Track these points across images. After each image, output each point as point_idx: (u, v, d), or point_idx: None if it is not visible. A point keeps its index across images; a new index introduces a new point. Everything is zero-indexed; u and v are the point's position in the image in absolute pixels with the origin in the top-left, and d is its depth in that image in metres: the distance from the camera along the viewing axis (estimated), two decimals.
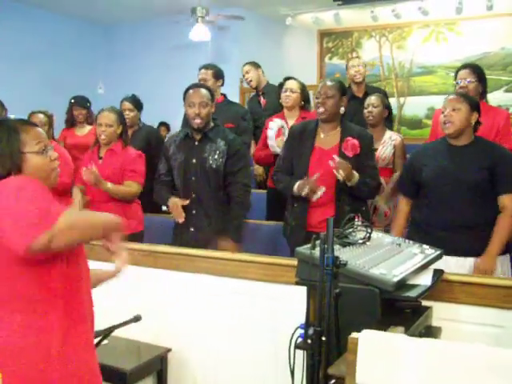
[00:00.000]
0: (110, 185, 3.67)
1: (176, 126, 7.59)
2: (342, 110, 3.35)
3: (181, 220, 3.41)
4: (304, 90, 4.47)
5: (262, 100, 5.30)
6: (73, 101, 5.10)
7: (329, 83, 3.37)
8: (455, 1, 7.44)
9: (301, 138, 3.39)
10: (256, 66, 5.35)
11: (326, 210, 3.22)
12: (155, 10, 8.02)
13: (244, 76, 5.44)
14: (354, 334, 1.42)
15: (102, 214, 1.90)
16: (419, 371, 1.31)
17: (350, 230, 2.36)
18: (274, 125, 4.26)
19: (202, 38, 7.61)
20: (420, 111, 8.52)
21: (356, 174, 3.19)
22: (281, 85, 4.54)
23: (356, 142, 3.24)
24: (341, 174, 3.12)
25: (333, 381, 1.48)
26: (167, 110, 6.92)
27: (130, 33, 8.82)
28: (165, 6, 7.78)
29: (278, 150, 4.14)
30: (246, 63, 5.42)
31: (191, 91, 3.48)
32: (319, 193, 3.21)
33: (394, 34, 8.65)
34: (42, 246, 1.58)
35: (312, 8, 8.15)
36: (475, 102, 3.13)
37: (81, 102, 5.09)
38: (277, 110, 4.68)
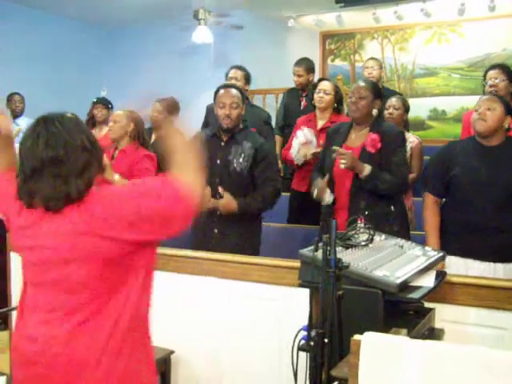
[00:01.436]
0: (117, 176, 3.58)
1: None
2: (375, 111, 3.30)
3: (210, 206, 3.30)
4: (338, 91, 4.41)
5: (304, 102, 5.13)
6: (95, 100, 5.10)
7: (362, 84, 3.33)
8: (458, 2, 7.43)
9: (334, 138, 3.38)
10: (308, 70, 5.12)
11: (345, 209, 3.20)
12: (158, 12, 8.03)
13: (294, 75, 5.17)
14: (357, 336, 1.42)
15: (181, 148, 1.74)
16: (422, 373, 1.31)
17: (353, 232, 2.35)
18: (300, 135, 4.12)
19: (205, 40, 7.61)
20: (423, 113, 8.52)
21: (367, 167, 3.12)
22: (314, 85, 4.49)
23: (375, 136, 3.18)
24: (343, 163, 3.08)
25: (336, 383, 1.48)
26: None
27: (133, 35, 8.83)
28: (167, 8, 7.78)
29: (295, 160, 4.12)
30: (301, 62, 5.15)
31: (222, 91, 3.41)
32: (326, 198, 3.18)
33: (397, 35, 8.65)
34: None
35: (314, 10, 8.15)
36: (510, 106, 3.06)
37: (103, 101, 5.09)
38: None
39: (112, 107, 5.08)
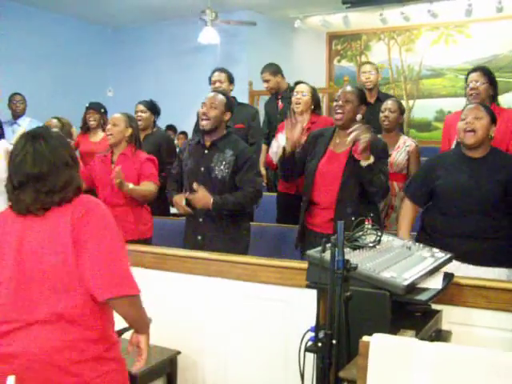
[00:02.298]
0: (131, 185, 3.65)
1: (184, 128, 7.63)
2: (359, 117, 3.30)
3: (187, 211, 3.41)
4: (315, 93, 4.47)
5: (280, 104, 5.23)
6: (87, 105, 5.12)
7: (348, 88, 3.34)
8: (465, 3, 7.42)
9: (316, 142, 3.39)
10: (274, 73, 5.25)
11: (329, 210, 3.21)
12: (164, 12, 8.04)
13: (263, 82, 5.34)
14: (366, 338, 1.41)
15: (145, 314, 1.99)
16: (431, 375, 1.30)
17: (360, 233, 2.35)
18: (281, 139, 4.21)
19: (211, 40, 7.62)
20: (429, 114, 8.51)
21: (371, 159, 3.08)
22: (291, 88, 4.56)
23: (366, 139, 3.19)
24: (364, 138, 2.98)
25: None
26: (175, 113, 6.94)
27: (140, 36, 8.85)
28: (174, 8, 7.80)
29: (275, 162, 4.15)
30: (265, 69, 5.30)
31: (209, 94, 3.51)
32: (371, 159, 3.06)
33: (403, 36, 8.64)
34: (122, 303, 1.82)
35: (321, 11, 8.15)
36: (494, 115, 3.07)
37: (95, 106, 5.10)
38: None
39: (105, 111, 5.11)
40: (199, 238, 3.44)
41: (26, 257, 1.79)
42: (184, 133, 7.96)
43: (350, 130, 3.05)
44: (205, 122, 3.41)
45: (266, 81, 5.26)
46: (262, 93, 7.25)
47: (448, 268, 2.45)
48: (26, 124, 5.00)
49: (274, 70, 5.28)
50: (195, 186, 3.31)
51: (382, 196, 3.40)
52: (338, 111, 3.28)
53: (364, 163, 3.09)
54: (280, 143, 4.02)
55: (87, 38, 8.64)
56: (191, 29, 7.79)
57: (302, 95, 4.37)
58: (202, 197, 3.31)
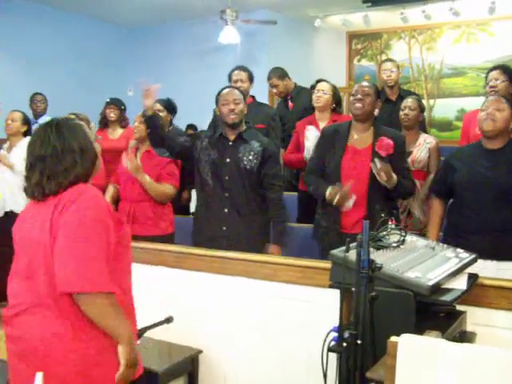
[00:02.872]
0: (147, 178, 3.69)
1: (204, 127, 7.62)
2: (376, 111, 3.34)
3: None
4: (336, 92, 4.46)
5: (290, 104, 5.26)
6: (108, 100, 5.14)
7: (365, 83, 3.39)
8: (488, 0, 7.32)
9: (333, 139, 3.38)
10: (281, 77, 5.25)
11: (359, 211, 3.20)
12: (184, 12, 8.06)
13: (272, 88, 5.37)
14: (394, 338, 1.40)
15: (125, 323, 1.90)
16: (459, 376, 1.29)
17: (384, 233, 2.34)
18: (310, 135, 4.20)
19: (231, 40, 7.61)
20: (450, 113, 8.43)
21: (395, 176, 3.17)
22: (313, 87, 4.55)
23: (391, 141, 3.19)
24: (383, 178, 3.12)
25: None
26: (195, 112, 6.95)
27: (159, 35, 8.88)
28: (193, 8, 7.82)
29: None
30: (272, 74, 5.30)
31: (224, 91, 3.52)
32: (351, 202, 3.19)
33: (424, 35, 8.56)
34: (82, 300, 1.79)
35: (341, 10, 8.11)
36: None
37: (116, 102, 5.12)
38: (304, 112, 4.66)
39: (125, 109, 5.12)
40: (224, 228, 3.43)
41: (28, 243, 1.91)
42: (192, 126, 7.93)
43: (379, 164, 3.11)
44: (233, 116, 3.43)
45: (275, 86, 5.26)
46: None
47: (474, 267, 2.43)
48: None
49: (280, 73, 5.28)
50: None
51: (412, 194, 3.51)
52: (358, 105, 3.28)
53: (388, 185, 3.16)
54: (312, 140, 4.05)
55: (106, 37, 8.70)
56: (211, 28, 7.79)
57: (322, 93, 4.36)
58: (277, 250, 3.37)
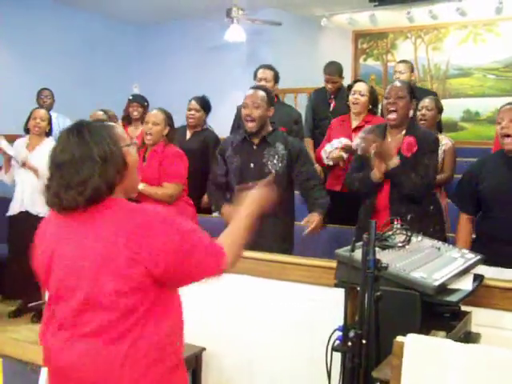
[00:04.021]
0: (141, 186, 3.51)
1: (211, 125, 7.64)
2: (411, 113, 3.26)
3: None
4: (373, 93, 4.38)
5: (333, 103, 5.02)
6: (131, 97, 5.11)
7: (399, 84, 3.28)
8: (495, 0, 7.30)
9: None
10: (341, 75, 5.04)
11: (386, 213, 3.12)
12: (190, 10, 8.06)
13: (327, 81, 5.04)
14: (400, 338, 1.40)
15: (240, 223, 1.95)
16: (466, 376, 1.29)
17: (390, 232, 2.33)
18: (335, 143, 4.12)
19: (237, 38, 7.61)
20: (456, 114, 8.39)
21: (395, 160, 3.07)
22: (349, 87, 4.47)
23: (412, 139, 3.13)
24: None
25: None
26: None
27: (165, 32, 8.87)
28: (199, 6, 7.81)
29: (326, 162, 4.13)
30: (334, 70, 5.00)
31: (249, 92, 3.43)
32: (395, 160, 3.06)
33: (430, 35, 8.53)
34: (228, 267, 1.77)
35: (347, 9, 8.10)
36: None
37: (139, 99, 5.09)
38: (344, 114, 4.53)
39: (148, 105, 5.08)
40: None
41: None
42: None
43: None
44: (250, 124, 3.35)
45: (334, 82, 4.99)
46: (287, 91, 7.24)
47: (493, 272, 2.42)
48: (53, 119, 5.05)
49: (341, 71, 5.05)
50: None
51: (422, 194, 3.22)
52: (391, 109, 3.19)
53: (388, 167, 3.07)
54: (333, 145, 4.00)
55: (113, 34, 8.69)
56: (217, 26, 7.79)
57: (359, 95, 4.27)
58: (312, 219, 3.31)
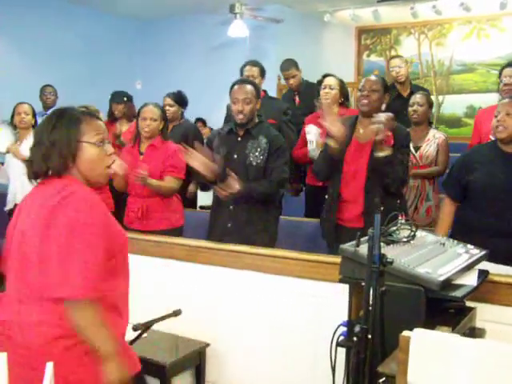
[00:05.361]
0: (154, 182, 3.67)
1: (213, 121, 7.63)
2: (384, 106, 3.31)
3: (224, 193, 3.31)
4: (343, 86, 4.42)
5: (297, 100, 5.18)
6: (110, 97, 5.19)
7: (373, 78, 3.36)
8: None
9: None
10: (297, 67, 5.17)
11: (357, 204, 3.19)
12: (193, 6, 8.05)
13: (287, 79, 5.22)
14: (406, 333, 1.39)
15: (108, 337, 1.82)
16: (472, 371, 1.28)
17: (394, 228, 2.33)
18: (311, 129, 4.20)
19: (240, 34, 7.60)
20: (459, 110, 8.38)
21: (387, 150, 3.08)
22: (319, 82, 4.50)
23: (389, 134, 3.14)
24: (379, 128, 2.98)
25: (382, 379, 1.46)
26: (204, 105, 6.95)
27: (168, 29, 8.87)
28: (203, 2, 7.80)
29: (311, 155, 4.15)
30: (288, 65, 5.17)
31: (236, 87, 3.45)
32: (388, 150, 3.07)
33: (434, 30, 8.51)
34: (76, 305, 1.73)
35: (350, 4, 8.08)
36: None
37: (116, 97, 5.17)
38: (311, 109, 4.61)
39: (128, 99, 5.18)
40: (229, 225, 3.41)
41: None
42: (201, 119, 7.90)
43: (374, 119, 3.03)
44: (241, 116, 3.38)
45: (293, 76, 5.11)
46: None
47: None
48: None
49: (297, 64, 5.16)
50: (227, 171, 3.28)
51: (397, 187, 3.29)
52: (364, 101, 3.26)
53: (380, 154, 3.07)
54: (314, 132, 4.03)
55: (116, 30, 8.69)
56: (220, 22, 7.79)
57: (329, 89, 4.31)
58: (232, 183, 3.24)
